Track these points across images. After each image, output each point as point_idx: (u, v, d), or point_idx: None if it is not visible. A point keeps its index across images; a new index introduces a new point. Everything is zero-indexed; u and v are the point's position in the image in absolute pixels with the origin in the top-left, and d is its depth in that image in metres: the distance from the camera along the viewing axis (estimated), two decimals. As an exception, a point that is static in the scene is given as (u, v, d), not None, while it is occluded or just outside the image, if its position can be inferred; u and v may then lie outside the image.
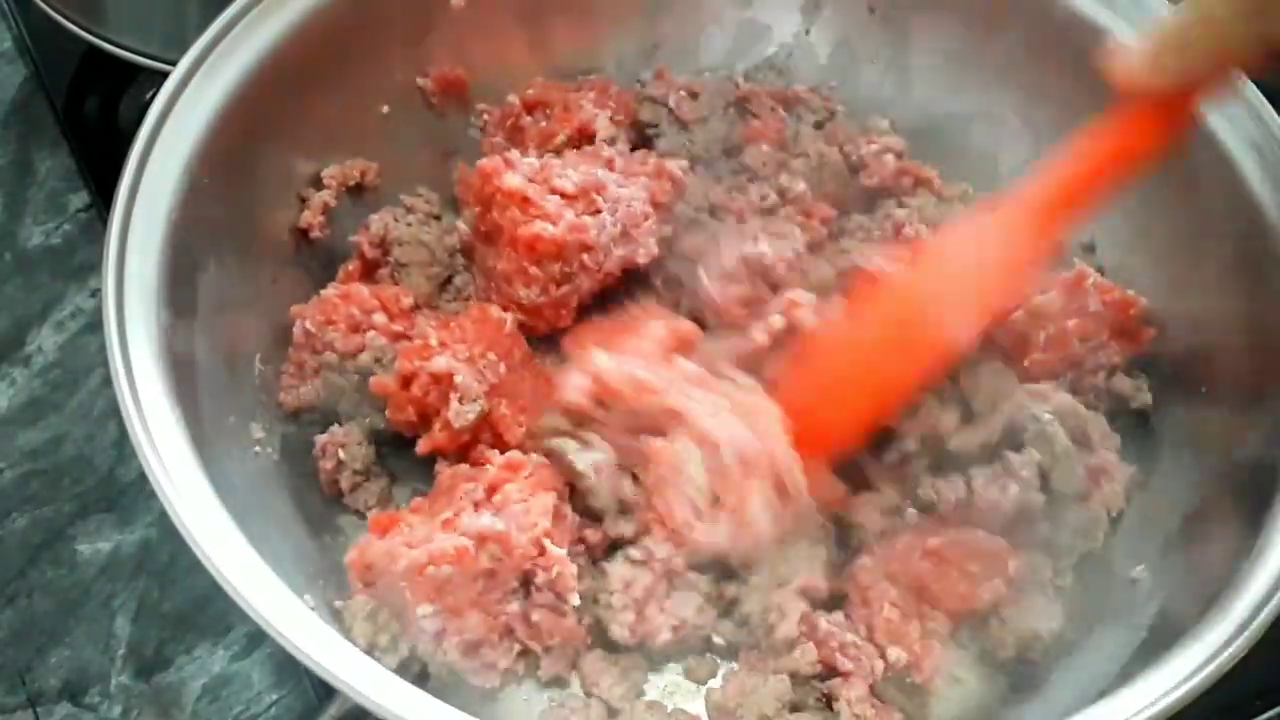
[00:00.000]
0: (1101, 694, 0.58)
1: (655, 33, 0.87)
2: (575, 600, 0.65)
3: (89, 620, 0.78)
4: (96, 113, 0.97)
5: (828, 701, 0.66)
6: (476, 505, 0.66)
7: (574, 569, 0.65)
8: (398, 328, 0.73)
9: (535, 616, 0.65)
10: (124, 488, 0.82)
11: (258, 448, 0.70)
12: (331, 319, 0.72)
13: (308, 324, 0.72)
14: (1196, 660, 0.57)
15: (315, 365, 0.72)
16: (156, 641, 0.77)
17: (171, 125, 0.68)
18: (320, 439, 0.72)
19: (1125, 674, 0.60)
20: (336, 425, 0.73)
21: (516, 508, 0.65)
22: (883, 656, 0.66)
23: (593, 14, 0.85)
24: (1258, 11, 0.54)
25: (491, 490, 0.66)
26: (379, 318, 0.72)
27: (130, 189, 0.65)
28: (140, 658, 0.77)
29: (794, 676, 0.67)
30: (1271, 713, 0.75)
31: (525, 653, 0.66)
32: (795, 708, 0.67)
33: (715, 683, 0.70)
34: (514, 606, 0.65)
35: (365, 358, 0.71)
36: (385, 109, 0.81)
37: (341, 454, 0.71)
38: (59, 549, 0.80)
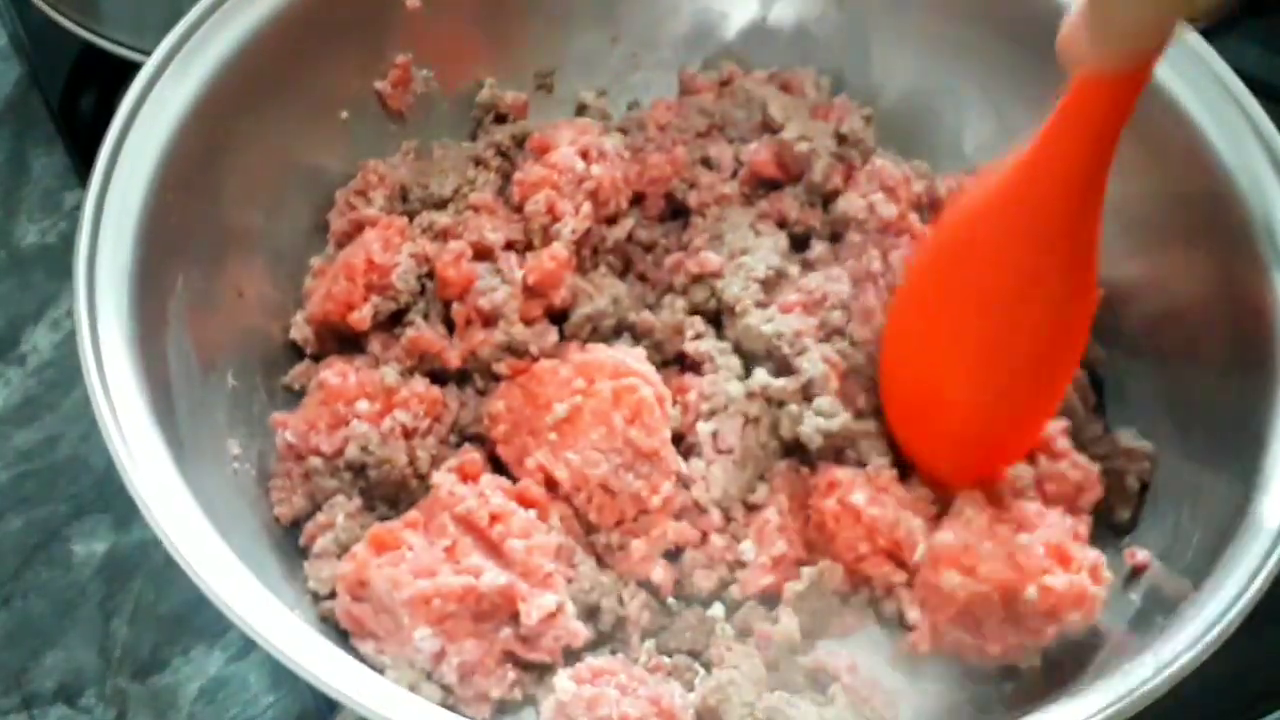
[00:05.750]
0: (1071, 686, 0.58)
1: (614, 26, 0.85)
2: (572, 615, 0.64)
3: (84, 622, 0.77)
4: (92, 110, 0.96)
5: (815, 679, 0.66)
6: (477, 535, 0.65)
7: (573, 607, 0.65)
8: (379, 407, 0.69)
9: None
10: (119, 488, 0.80)
11: (235, 464, 0.68)
12: (314, 424, 0.69)
13: (289, 435, 0.69)
14: (1174, 650, 0.55)
15: (302, 472, 0.69)
16: (152, 643, 0.77)
17: (134, 137, 0.67)
18: (308, 528, 0.69)
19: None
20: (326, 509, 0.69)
21: (517, 544, 0.64)
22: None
23: (550, 9, 0.84)
24: None
25: (493, 520, 0.65)
26: (362, 405, 0.69)
27: (96, 206, 0.65)
28: (136, 660, 0.76)
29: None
30: (1273, 717, 0.74)
31: (520, 681, 0.64)
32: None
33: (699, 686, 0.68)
34: (508, 631, 0.64)
35: (353, 450, 0.68)
36: (344, 114, 0.79)
37: (331, 532, 0.68)
38: (54, 550, 0.80)
